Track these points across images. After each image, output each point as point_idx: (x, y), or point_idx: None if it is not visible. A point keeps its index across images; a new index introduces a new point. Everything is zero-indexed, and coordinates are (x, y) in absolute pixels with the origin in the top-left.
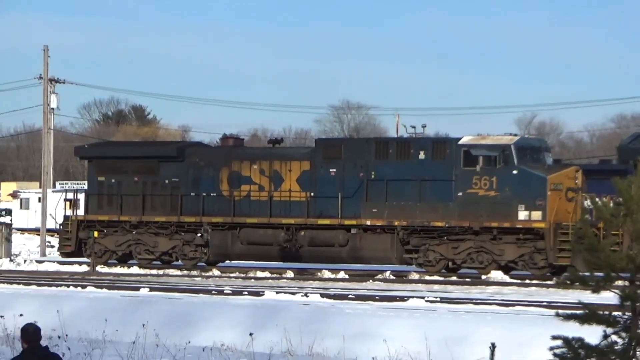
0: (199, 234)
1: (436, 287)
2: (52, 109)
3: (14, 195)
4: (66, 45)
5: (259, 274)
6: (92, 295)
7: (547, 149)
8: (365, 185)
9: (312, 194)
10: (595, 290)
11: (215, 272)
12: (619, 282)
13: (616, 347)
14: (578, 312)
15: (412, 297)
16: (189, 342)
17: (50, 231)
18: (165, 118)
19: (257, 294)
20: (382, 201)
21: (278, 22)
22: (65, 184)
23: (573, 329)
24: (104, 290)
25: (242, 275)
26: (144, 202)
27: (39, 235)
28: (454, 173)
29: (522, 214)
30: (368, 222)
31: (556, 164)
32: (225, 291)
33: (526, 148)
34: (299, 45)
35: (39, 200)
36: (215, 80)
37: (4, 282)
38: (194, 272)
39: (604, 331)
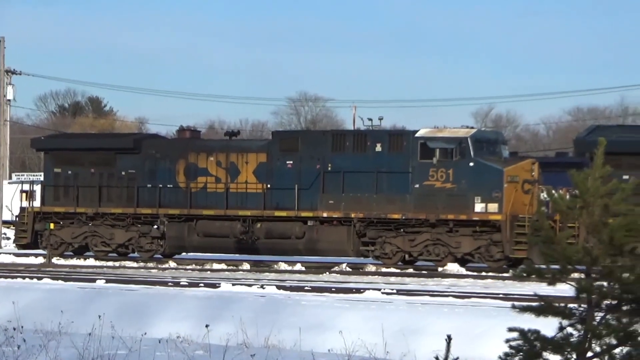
0: (155, 226)
1: (393, 279)
2: (9, 100)
3: None
4: (22, 36)
5: (216, 265)
6: (47, 287)
7: (504, 142)
8: (322, 177)
9: (269, 186)
10: (552, 282)
11: (172, 264)
12: (575, 275)
13: (572, 339)
14: (534, 304)
15: (369, 289)
16: (145, 333)
17: (6, 223)
18: (121, 110)
19: (214, 285)
20: (338, 193)
21: (235, 14)
22: (22, 175)
23: (529, 321)
24: (60, 281)
25: (198, 267)
26: (100, 194)
27: None
28: (411, 165)
29: (479, 207)
30: (325, 214)
31: (513, 157)
32: (181, 283)
33: (483, 141)
34: (256, 37)
35: None
36: (171, 72)
37: None
38: (150, 264)
39: (560, 323)
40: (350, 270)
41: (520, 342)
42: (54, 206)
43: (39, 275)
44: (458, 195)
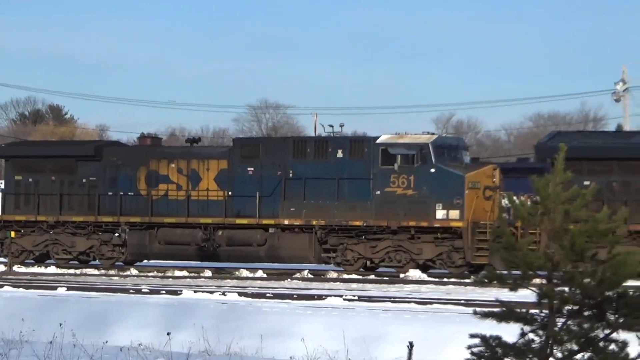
0: (116, 234)
1: (354, 285)
2: None
3: None
4: None
5: (177, 273)
6: (8, 295)
7: (465, 148)
8: (283, 184)
9: (230, 193)
10: (513, 288)
11: (133, 271)
12: (537, 280)
13: (533, 345)
14: (495, 310)
15: (330, 295)
16: (107, 341)
17: None
18: (82, 117)
19: (175, 292)
20: (300, 200)
21: (196, 22)
22: None
23: (491, 327)
24: (21, 289)
25: (159, 274)
26: (61, 202)
27: None
28: (372, 172)
29: (440, 213)
30: (286, 222)
31: (474, 163)
32: (143, 290)
33: (444, 147)
34: (217, 45)
35: None
36: (133, 79)
37: None
38: (111, 272)
39: (522, 329)
40: (312, 277)
41: (482, 348)
42: (14, 214)
43: (0, 283)
44: (419, 202)
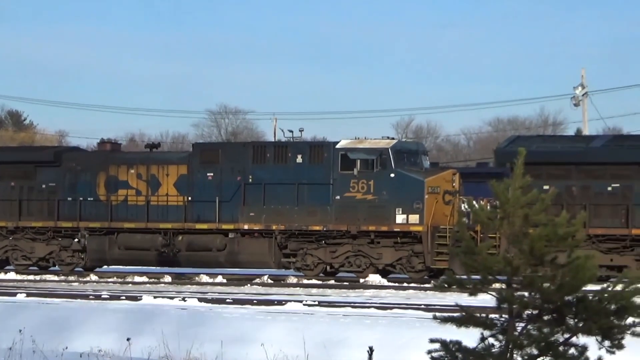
0: (76, 239)
1: (314, 290)
2: None
3: None
4: None
5: (137, 278)
6: None
7: (425, 153)
8: (242, 189)
9: (190, 199)
10: (473, 292)
11: (93, 277)
12: (497, 285)
13: (493, 350)
14: (455, 315)
15: (290, 301)
16: (67, 347)
17: None
18: (41, 123)
19: (135, 298)
20: (259, 205)
21: (154, 27)
22: None
23: (451, 332)
24: None
25: (119, 280)
26: (20, 208)
27: None
28: (332, 177)
29: (400, 218)
30: (246, 227)
31: (433, 168)
32: (102, 296)
33: (403, 151)
34: (177, 50)
35: None
36: (92, 85)
37: None
38: (71, 277)
39: (482, 334)
40: (272, 282)
41: (442, 353)
42: None
43: None
44: (379, 207)
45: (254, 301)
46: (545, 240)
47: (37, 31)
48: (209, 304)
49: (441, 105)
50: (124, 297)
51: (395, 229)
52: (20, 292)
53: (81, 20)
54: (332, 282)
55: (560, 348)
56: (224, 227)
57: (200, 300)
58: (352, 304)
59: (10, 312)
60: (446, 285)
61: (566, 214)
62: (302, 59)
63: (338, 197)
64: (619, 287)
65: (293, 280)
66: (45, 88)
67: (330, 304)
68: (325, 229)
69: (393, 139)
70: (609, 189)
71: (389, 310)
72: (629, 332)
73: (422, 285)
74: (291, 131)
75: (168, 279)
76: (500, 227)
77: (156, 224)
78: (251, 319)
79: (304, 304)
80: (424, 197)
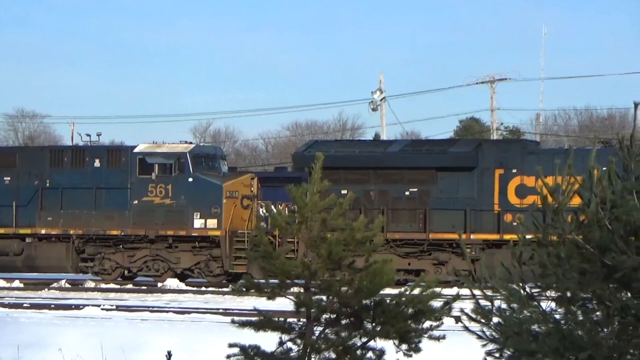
0: None
1: (112, 295)
2: None
3: None
4: None
5: None
6: None
7: (223, 157)
8: (40, 193)
9: None
10: (271, 297)
11: None
12: (295, 289)
13: (292, 354)
14: (254, 319)
15: (88, 305)
16: None
17: None
18: None
19: None
20: (57, 210)
21: None
22: None
23: (250, 336)
24: None
25: None
26: None
27: None
28: (130, 181)
29: (198, 222)
30: (43, 231)
31: (232, 172)
32: None
33: (201, 156)
34: None
35: None
36: None
37: None
38: None
39: (280, 338)
40: (70, 286)
41: (241, 357)
42: None
43: None
44: (177, 211)
45: (52, 306)
46: (343, 245)
47: None
48: (6, 309)
49: (239, 109)
50: None
51: (193, 234)
52: None
53: None
54: (130, 286)
55: (358, 352)
56: (21, 231)
57: None
58: (150, 309)
59: None
60: (244, 289)
61: (364, 219)
62: (102, 62)
63: (136, 202)
64: (416, 291)
65: (91, 284)
66: None
67: (129, 309)
68: (123, 234)
69: (191, 143)
70: (407, 193)
71: (187, 315)
72: (426, 335)
73: (220, 290)
74: (89, 135)
75: None
76: (298, 231)
77: None
78: (49, 323)
79: (102, 309)
80: (222, 202)
